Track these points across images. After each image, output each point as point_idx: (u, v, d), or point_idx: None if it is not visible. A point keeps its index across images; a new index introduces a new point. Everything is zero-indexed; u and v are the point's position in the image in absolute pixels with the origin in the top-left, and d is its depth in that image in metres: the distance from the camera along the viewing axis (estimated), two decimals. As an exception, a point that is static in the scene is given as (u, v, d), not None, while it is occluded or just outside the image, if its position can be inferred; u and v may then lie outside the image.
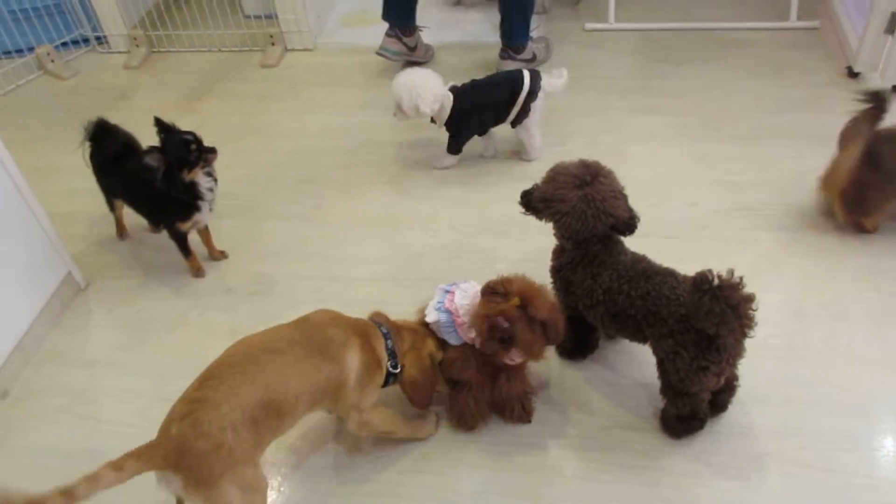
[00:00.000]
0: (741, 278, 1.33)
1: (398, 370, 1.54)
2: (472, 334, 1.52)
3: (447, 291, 1.59)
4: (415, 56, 3.01)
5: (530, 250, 2.11)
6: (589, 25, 3.22)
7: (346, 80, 3.07)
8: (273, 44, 3.27)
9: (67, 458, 1.70)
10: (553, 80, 2.39)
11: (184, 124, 1.99)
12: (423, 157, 2.57)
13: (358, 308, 1.64)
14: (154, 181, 1.89)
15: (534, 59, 2.96)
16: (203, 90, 3.07)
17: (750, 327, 1.35)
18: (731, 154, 2.44)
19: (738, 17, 3.16)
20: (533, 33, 2.96)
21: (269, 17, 3.32)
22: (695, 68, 2.91)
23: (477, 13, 3.44)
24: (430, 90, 2.29)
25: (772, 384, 1.70)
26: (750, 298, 1.33)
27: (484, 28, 3.28)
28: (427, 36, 3.17)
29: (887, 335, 1.81)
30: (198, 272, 2.18)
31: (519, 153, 2.52)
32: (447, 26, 3.35)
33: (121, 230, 2.34)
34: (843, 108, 2.50)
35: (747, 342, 1.43)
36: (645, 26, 3.19)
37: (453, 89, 2.35)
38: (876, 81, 2.64)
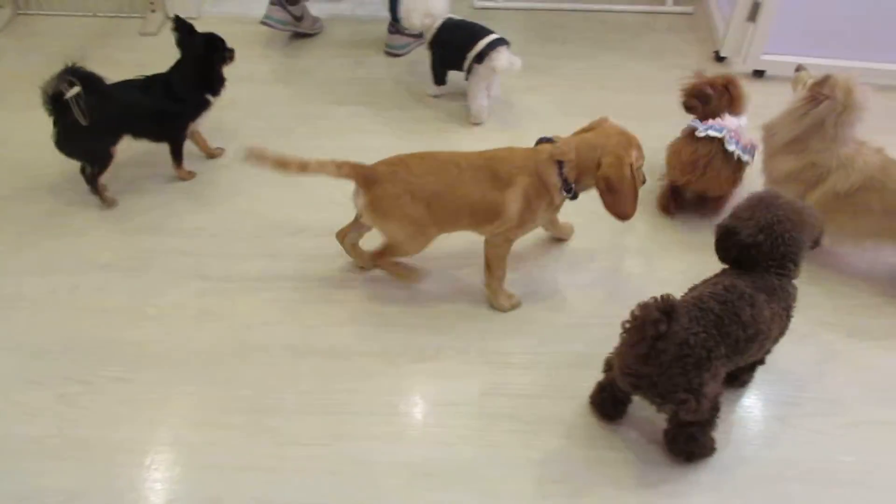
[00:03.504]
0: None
1: (572, 194, 1.78)
2: None
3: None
4: (301, 27, 2.97)
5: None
6: (478, 3, 3.27)
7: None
8: (153, 10, 3.14)
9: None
10: (508, 58, 2.44)
11: (55, 94, 1.93)
12: (308, 132, 2.56)
13: (239, 284, 1.62)
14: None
15: (422, 35, 2.97)
16: (75, 58, 2.90)
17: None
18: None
19: (620, 0, 3.29)
20: (422, 8, 2.98)
21: (149, -19, 3.18)
22: (579, 49, 3.01)
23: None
24: (423, 5, 2.51)
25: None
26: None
27: (376, 2, 3.26)
28: (320, 9, 3.13)
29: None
30: (190, 174, 2.35)
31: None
32: (340, -2, 3.32)
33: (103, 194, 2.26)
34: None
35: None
36: (532, 5, 3.26)
37: (446, 20, 2.56)
38: (739, 66, 2.82)
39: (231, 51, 2.26)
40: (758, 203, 1.53)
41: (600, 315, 1.92)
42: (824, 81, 1.84)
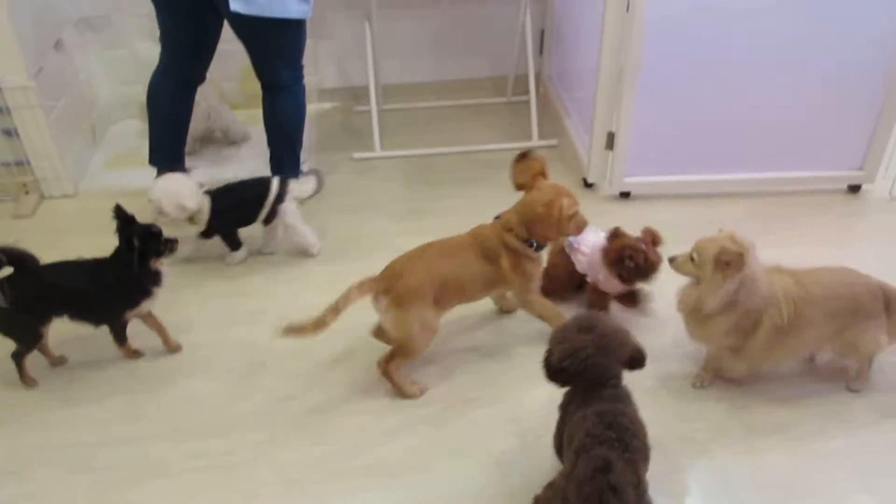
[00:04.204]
0: None
1: (536, 247, 2.12)
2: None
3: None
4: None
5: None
6: (357, 155, 3.42)
7: (111, 225, 2.93)
8: (27, 192, 3.08)
9: None
10: (301, 187, 2.69)
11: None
12: (214, 313, 2.53)
13: (133, 471, 1.50)
14: (129, 266, 2.06)
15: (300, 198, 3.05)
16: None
17: None
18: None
19: (491, 140, 3.52)
20: (304, 166, 3.07)
21: (20, 163, 3.08)
22: (457, 189, 3.16)
23: (251, 148, 3.51)
24: (188, 188, 2.48)
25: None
26: None
27: (259, 163, 3.33)
28: (201, 173, 3.15)
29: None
30: (136, 354, 2.26)
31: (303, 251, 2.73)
32: (223, 162, 3.39)
33: (54, 358, 2.23)
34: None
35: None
36: (409, 153, 3.44)
37: (208, 192, 2.55)
38: (606, 189, 3.04)
39: (171, 243, 2.17)
40: (571, 327, 1.61)
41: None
42: (728, 256, 1.84)
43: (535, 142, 3.48)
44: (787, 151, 2.96)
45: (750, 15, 2.64)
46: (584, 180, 3.11)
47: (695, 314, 1.98)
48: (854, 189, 3.05)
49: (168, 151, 2.90)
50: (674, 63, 2.73)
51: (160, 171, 2.88)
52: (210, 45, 2.75)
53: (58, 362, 2.23)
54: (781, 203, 2.98)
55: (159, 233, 2.13)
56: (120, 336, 2.22)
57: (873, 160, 2.94)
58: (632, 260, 2.15)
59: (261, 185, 2.61)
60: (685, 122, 2.88)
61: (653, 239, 2.23)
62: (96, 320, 2.19)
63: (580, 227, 2.14)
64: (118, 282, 2.11)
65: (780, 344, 1.94)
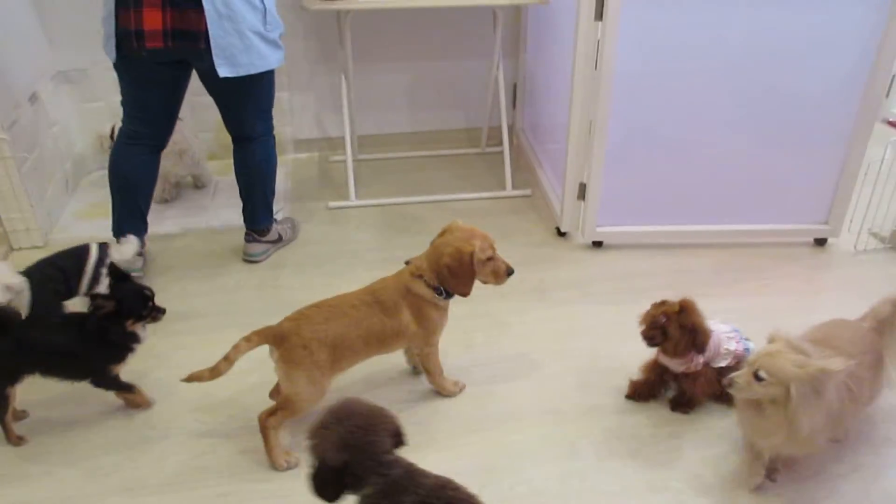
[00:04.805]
0: None
1: (445, 295, 2.04)
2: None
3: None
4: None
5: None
6: (332, 204, 3.43)
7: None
8: (-5, 244, 3.05)
9: None
10: (122, 248, 2.58)
11: None
12: (171, 344, 2.49)
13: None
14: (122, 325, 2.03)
15: (280, 239, 3.05)
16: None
17: None
18: (467, 313, 2.65)
19: (465, 190, 3.57)
20: (278, 215, 3.07)
21: (-10, 215, 3.08)
22: (431, 237, 3.13)
23: (223, 197, 3.51)
24: (5, 266, 2.25)
25: None
26: None
27: (233, 213, 3.34)
28: (175, 223, 3.16)
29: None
30: (147, 404, 2.22)
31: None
32: (197, 213, 3.39)
33: (14, 412, 2.12)
34: (555, 263, 2.85)
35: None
36: (384, 202, 3.47)
37: (21, 272, 2.32)
38: (579, 239, 3.08)
39: (157, 311, 2.11)
40: (329, 422, 1.46)
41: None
42: (824, 372, 1.63)
43: (508, 192, 3.54)
44: (756, 204, 3.03)
45: (717, 71, 2.73)
46: (558, 229, 3.15)
47: (790, 436, 1.72)
48: (820, 242, 3.11)
49: (136, 222, 2.83)
50: (643, 117, 2.81)
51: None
52: (179, 106, 2.77)
53: (18, 417, 2.17)
54: (750, 254, 3.03)
55: (149, 297, 2.08)
56: (115, 388, 2.15)
57: (837, 215, 3.01)
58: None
59: (78, 253, 2.47)
60: (656, 175, 2.94)
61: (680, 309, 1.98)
62: (76, 376, 2.09)
63: (499, 274, 2.05)
64: (97, 338, 2.02)
65: (858, 404, 1.84)
